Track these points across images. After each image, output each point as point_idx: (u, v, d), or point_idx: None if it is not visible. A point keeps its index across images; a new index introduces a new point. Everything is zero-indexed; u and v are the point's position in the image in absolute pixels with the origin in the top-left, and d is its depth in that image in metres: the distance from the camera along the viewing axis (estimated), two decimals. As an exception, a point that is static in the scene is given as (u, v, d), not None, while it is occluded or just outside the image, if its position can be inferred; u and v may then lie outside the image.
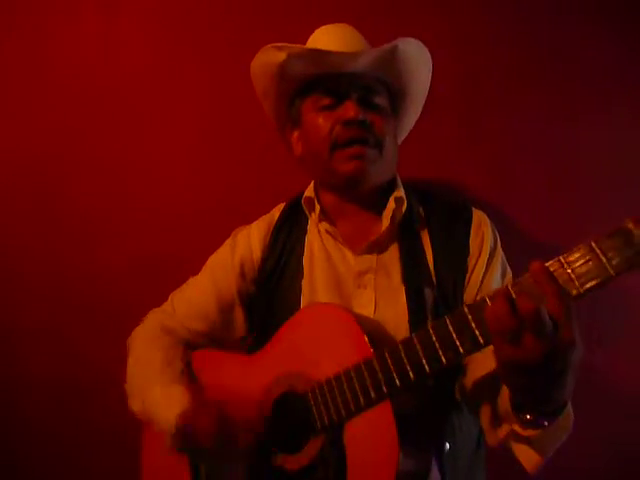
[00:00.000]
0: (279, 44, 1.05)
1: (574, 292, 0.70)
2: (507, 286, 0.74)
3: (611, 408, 1.35)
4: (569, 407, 0.79)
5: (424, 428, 0.92)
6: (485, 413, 0.90)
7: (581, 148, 1.40)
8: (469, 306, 0.77)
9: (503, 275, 1.08)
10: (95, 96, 1.56)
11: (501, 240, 1.12)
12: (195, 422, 0.93)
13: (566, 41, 1.43)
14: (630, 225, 0.68)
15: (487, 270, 1.05)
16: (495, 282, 1.05)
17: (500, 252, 1.10)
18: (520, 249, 1.27)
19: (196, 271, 1.23)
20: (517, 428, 0.80)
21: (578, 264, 0.70)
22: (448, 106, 1.43)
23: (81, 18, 1.57)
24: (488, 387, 0.90)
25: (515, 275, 1.05)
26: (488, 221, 1.12)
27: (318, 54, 1.03)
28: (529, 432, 0.79)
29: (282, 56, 1.05)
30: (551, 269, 0.71)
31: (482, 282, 1.04)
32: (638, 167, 1.36)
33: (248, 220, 1.24)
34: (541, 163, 1.42)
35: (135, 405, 1.06)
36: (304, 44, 1.15)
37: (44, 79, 1.58)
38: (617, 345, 1.37)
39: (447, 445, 0.96)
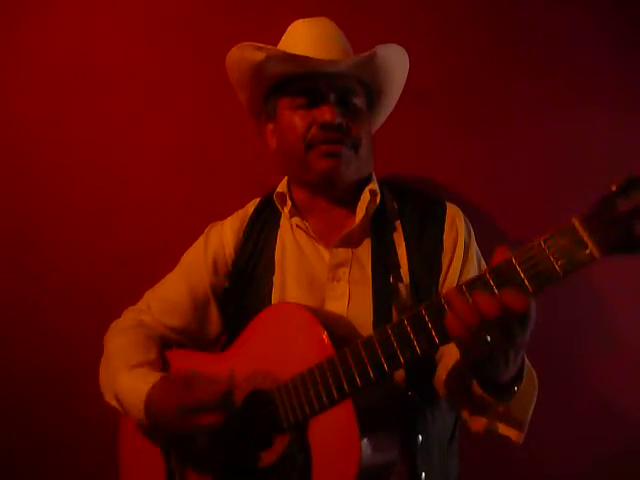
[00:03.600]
0: (258, 44, 1.04)
1: (526, 292, 0.70)
2: (461, 286, 0.75)
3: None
4: (527, 367, 0.83)
5: (393, 422, 0.94)
6: (463, 403, 0.91)
7: (563, 144, 1.41)
8: (425, 306, 0.78)
9: (479, 269, 1.09)
10: (78, 90, 1.56)
11: (480, 234, 1.13)
12: (160, 400, 0.94)
13: (554, 40, 1.44)
14: (576, 223, 0.68)
15: (464, 266, 1.07)
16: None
17: (475, 246, 1.11)
18: (498, 242, 1.29)
19: (174, 264, 1.23)
20: (491, 402, 0.83)
21: (528, 264, 0.71)
22: (429, 103, 1.44)
23: (58, 11, 1.56)
24: (461, 378, 0.91)
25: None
26: (462, 215, 1.12)
27: (297, 59, 1.03)
28: (502, 405, 0.82)
29: (260, 56, 1.05)
30: (502, 268, 0.72)
31: (459, 278, 1.05)
32: (622, 163, 1.36)
33: (228, 213, 1.24)
34: (521, 158, 1.43)
35: (108, 396, 1.07)
36: (282, 34, 1.15)
37: (27, 74, 1.57)
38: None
39: (420, 437, 0.98)
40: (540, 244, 0.70)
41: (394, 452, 0.92)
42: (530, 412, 0.86)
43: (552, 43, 1.44)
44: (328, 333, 0.90)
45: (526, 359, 0.82)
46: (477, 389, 0.84)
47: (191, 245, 1.24)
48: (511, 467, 1.29)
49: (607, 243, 0.66)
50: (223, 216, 1.24)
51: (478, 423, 0.88)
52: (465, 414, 0.91)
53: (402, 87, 1.19)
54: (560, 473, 1.36)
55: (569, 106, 1.43)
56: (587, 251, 0.67)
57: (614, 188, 0.68)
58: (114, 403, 1.05)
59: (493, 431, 0.86)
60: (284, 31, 1.16)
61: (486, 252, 1.11)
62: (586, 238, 0.67)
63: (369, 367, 0.82)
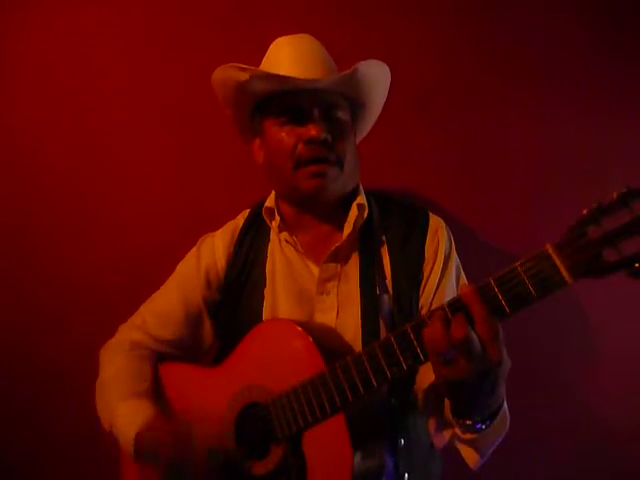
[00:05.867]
0: (241, 65, 1.06)
1: (503, 313, 0.75)
2: (444, 306, 0.80)
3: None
4: (503, 411, 0.87)
5: (379, 428, 0.99)
6: (431, 418, 0.98)
7: (551, 156, 1.45)
8: (411, 325, 0.83)
9: (457, 279, 1.14)
10: (74, 98, 1.57)
11: (462, 244, 1.17)
12: (153, 441, 0.99)
13: (547, 48, 1.46)
14: (550, 250, 0.73)
15: (442, 276, 1.11)
16: (450, 287, 1.11)
17: (455, 257, 1.15)
18: (479, 253, 1.34)
19: (168, 271, 1.26)
20: (458, 432, 0.88)
21: (506, 286, 0.75)
22: (415, 114, 1.47)
23: (56, 17, 1.57)
24: (433, 395, 0.98)
25: (471, 279, 1.12)
26: (444, 227, 1.16)
27: (280, 78, 1.05)
28: (469, 435, 0.87)
29: (244, 76, 1.07)
30: (482, 292, 0.76)
31: (437, 288, 1.10)
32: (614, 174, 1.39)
33: (221, 222, 1.27)
34: (505, 171, 1.46)
35: (105, 424, 1.11)
36: (268, 45, 1.17)
37: (16, 76, 1.59)
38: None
39: (401, 441, 1.03)
40: (517, 268, 0.75)
41: (382, 457, 0.97)
42: (490, 450, 0.92)
43: (545, 51, 1.46)
44: (319, 347, 0.94)
45: (505, 405, 0.87)
46: (448, 413, 0.89)
47: (184, 253, 1.26)
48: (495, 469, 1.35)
49: (578, 269, 0.71)
50: (216, 224, 1.27)
51: (441, 439, 0.95)
52: (431, 429, 0.97)
53: (385, 98, 1.22)
54: (544, 474, 1.42)
55: (561, 115, 1.45)
56: (560, 276, 0.72)
57: (585, 213, 0.72)
58: (107, 430, 1.10)
59: (453, 447, 0.93)
60: (269, 45, 1.17)
61: (468, 263, 1.16)
62: (559, 264, 0.72)
63: (359, 382, 0.87)
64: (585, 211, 0.72)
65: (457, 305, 0.78)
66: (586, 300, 1.41)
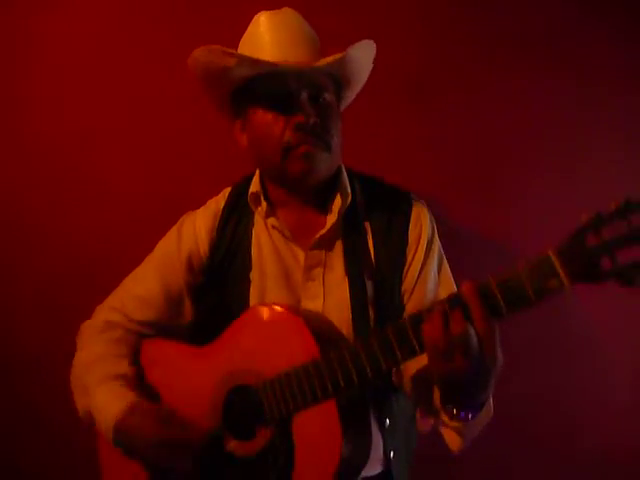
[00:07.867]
0: (228, 50, 1.02)
1: (500, 313, 0.78)
2: (443, 301, 0.82)
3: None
4: (490, 402, 0.91)
5: (367, 410, 1.03)
6: (418, 404, 1.01)
7: (538, 141, 1.48)
8: (409, 318, 0.85)
9: (440, 264, 1.16)
10: (29, 86, 1.55)
11: (447, 233, 1.20)
12: (133, 428, 0.99)
13: (544, 33, 1.48)
14: (550, 254, 0.76)
15: (425, 261, 1.12)
16: (432, 272, 1.13)
17: (437, 243, 1.17)
18: (465, 241, 1.37)
19: (144, 254, 1.23)
20: (445, 419, 0.92)
21: (506, 288, 0.78)
22: (402, 98, 1.48)
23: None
24: (421, 382, 1.01)
25: (454, 268, 1.14)
26: (427, 212, 1.17)
27: (268, 64, 1.02)
28: (455, 423, 0.91)
29: (231, 62, 1.03)
30: (482, 291, 0.79)
31: (420, 273, 1.12)
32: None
33: (195, 205, 1.24)
34: (494, 156, 1.49)
35: (79, 406, 1.10)
36: (246, 24, 1.12)
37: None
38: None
39: (387, 421, 1.07)
40: (518, 270, 0.78)
41: (369, 439, 1.00)
42: (473, 437, 0.96)
43: (543, 39, 1.47)
44: (312, 332, 0.95)
45: (490, 399, 0.91)
46: (437, 401, 0.92)
47: (165, 231, 1.23)
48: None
49: (576, 274, 0.74)
50: (197, 201, 1.23)
51: (426, 424, 0.98)
52: (417, 413, 1.01)
53: (368, 73, 1.19)
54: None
55: (555, 103, 1.48)
56: (558, 279, 0.75)
57: (585, 222, 0.76)
58: (87, 419, 1.09)
59: (437, 431, 0.97)
60: (248, 20, 1.13)
61: (460, 253, 1.20)
62: (558, 268, 0.75)
63: (353, 372, 0.89)
64: (584, 220, 0.75)
65: (456, 302, 0.80)
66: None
